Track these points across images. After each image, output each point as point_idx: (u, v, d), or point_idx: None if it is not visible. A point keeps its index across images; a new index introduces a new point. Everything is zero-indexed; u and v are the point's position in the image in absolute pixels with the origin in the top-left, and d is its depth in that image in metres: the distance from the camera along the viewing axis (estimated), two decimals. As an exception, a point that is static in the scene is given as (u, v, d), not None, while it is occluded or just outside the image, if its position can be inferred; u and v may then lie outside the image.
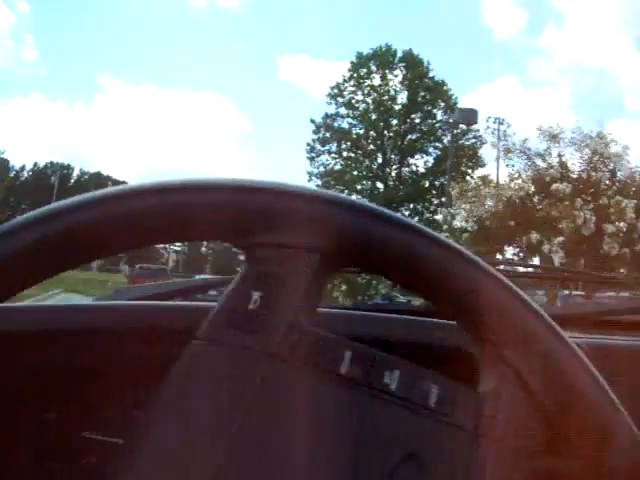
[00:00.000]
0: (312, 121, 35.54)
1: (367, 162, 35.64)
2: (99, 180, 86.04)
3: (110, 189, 0.46)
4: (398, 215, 0.48)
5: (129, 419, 0.58)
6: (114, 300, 1.04)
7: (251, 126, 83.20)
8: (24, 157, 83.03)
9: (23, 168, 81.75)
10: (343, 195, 0.49)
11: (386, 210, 0.48)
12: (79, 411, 0.63)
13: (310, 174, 35.43)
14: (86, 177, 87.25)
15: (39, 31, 75.96)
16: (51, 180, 77.56)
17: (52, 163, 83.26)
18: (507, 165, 14.77)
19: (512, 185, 14.08)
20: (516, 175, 14.41)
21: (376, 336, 0.67)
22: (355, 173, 35.34)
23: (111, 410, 0.64)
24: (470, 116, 27.46)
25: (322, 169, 35.66)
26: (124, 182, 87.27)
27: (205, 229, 0.48)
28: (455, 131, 34.39)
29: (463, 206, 14.14)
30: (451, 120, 32.29)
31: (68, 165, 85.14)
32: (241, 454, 0.42)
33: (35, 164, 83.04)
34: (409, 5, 68.20)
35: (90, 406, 0.63)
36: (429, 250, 0.46)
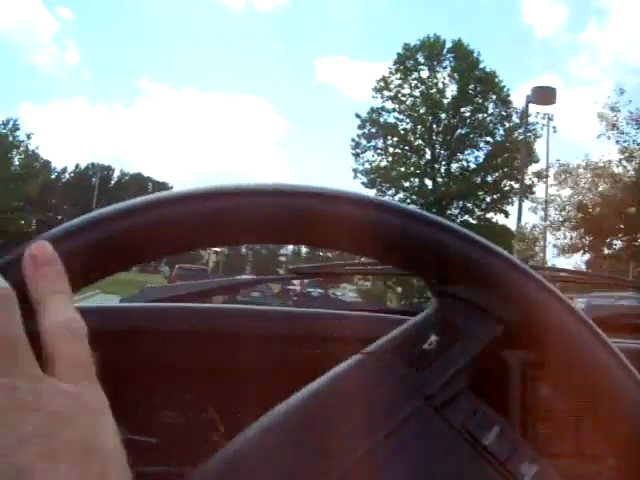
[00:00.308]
0: (357, 116, 34.17)
1: (415, 158, 34.09)
2: (140, 181, 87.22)
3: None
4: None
5: (158, 419, 0.64)
6: (138, 300, 1.08)
7: (289, 127, 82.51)
8: (66, 159, 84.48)
9: (65, 170, 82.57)
10: (536, 275, 0.48)
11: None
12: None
13: (355, 171, 34.06)
14: (127, 178, 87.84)
15: (81, 37, 77.17)
16: (92, 181, 77.93)
17: (93, 164, 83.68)
18: (617, 142, 12.89)
19: (628, 165, 12.03)
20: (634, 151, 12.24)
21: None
22: (402, 170, 33.84)
23: (141, 410, 0.66)
24: (548, 95, 24.90)
25: (367, 166, 34.26)
26: (165, 183, 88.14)
27: (399, 259, 0.50)
28: (508, 124, 32.77)
29: (558, 192, 12.34)
30: (520, 105, 30.65)
31: (109, 166, 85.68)
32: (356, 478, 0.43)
33: (77, 165, 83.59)
34: (447, 5, 66.50)
35: (121, 406, 0.60)
36: None
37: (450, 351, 0.46)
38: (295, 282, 22.23)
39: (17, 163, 72.01)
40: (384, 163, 34.10)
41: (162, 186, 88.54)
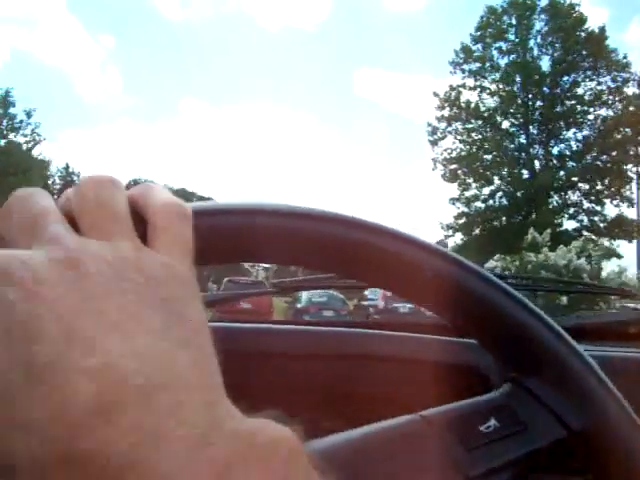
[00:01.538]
0: (435, 94, 28.44)
1: (506, 142, 28.14)
2: (184, 196, 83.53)
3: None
4: None
5: None
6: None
7: (329, 142, 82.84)
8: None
9: None
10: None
11: None
12: None
13: (435, 161, 28.28)
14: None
15: (123, 62, 79.09)
16: None
17: (135, 181, 79.94)
18: None
19: None
20: None
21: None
22: (488, 157, 27.93)
23: None
24: None
25: (447, 155, 28.44)
26: (210, 198, 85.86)
27: (470, 327, 0.49)
28: (625, 94, 26.68)
29: None
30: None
31: (151, 182, 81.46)
32: None
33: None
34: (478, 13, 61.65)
35: None
36: None
37: (506, 441, 0.45)
38: (377, 296, 18.69)
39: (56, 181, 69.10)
40: (471, 149, 28.24)
41: (207, 201, 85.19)
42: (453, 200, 28.03)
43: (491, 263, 11.33)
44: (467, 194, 28.10)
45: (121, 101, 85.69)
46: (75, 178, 74.76)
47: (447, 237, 27.99)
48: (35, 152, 26.13)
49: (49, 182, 72.30)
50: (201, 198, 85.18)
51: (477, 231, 27.43)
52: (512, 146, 28.16)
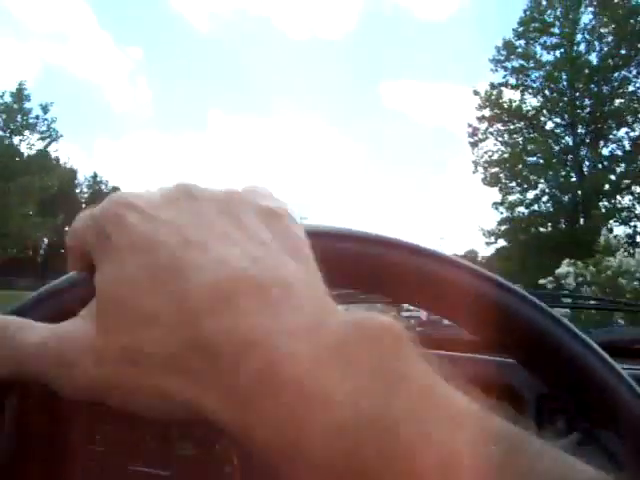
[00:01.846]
0: (476, 93, 26.80)
1: (551, 143, 26.35)
2: None
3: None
4: None
5: (173, 451, 0.63)
6: None
7: (359, 154, 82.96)
8: (138, 186, 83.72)
9: None
10: None
11: None
12: (124, 444, 0.64)
13: (476, 164, 26.60)
14: None
15: (152, 73, 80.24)
16: None
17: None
18: None
19: None
20: None
21: None
22: (532, 159, 26.17)
23: (155, 442, 0.66)
24: None
25: (487, 157, 26.75)
26: None
27: (543, 370, 0.47)
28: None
29: None
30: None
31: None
32: None
33: (147, 191, 79.27)
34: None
35: (134, 439, 0.64)
36: None
37: None
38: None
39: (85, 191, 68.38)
40: (513, 150, 26.49)
41: None
42: (496, 205, 26.32)
43: (563, 269, 9.70)
44: (510, 198, 26.35)
45: (149, 111, 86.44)
46: (103, 187, 74.55)
47: (489, 244, 26.31)
48: (52, 149, 24.03)
49: (77, 190, 72.02)
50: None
51: (521, 237, 25.62)
52: (558, 148, 26.36)
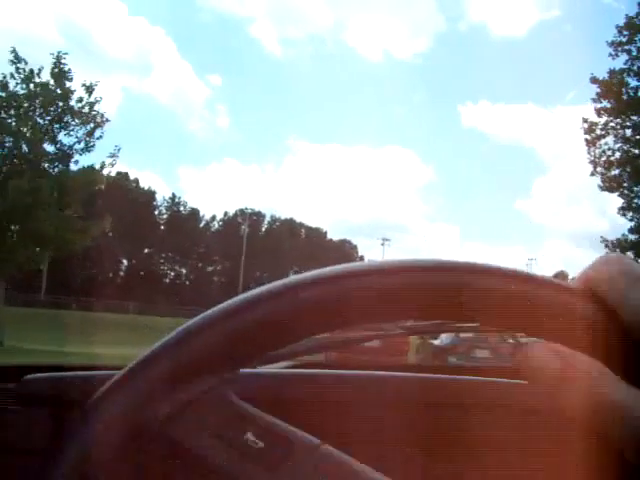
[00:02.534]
0: (594, 79, 22.56)
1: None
2: (292, 227, 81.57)
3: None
4: None
5: None
6: None
7: (435, 175, 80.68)
8: (216, 210, 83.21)
9: (214, 218, 77.92)
10: None
11: None
12: None
13: (595, 164, 22.27)
14: (277, 224, 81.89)
15: (231, 100, 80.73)
16: (241, 230, 72.42)
17: (242, 211, 78.23)
18: None
19: None
20: None
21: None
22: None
23: None
24: None
25: (606, 157, 22.39)
26: (318, 229, 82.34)
27: None
28: None
29: None
30: None
31: (259, 212, 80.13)
32: None
33: (225, 213, 78.51)
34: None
35: None
36: None
37: None
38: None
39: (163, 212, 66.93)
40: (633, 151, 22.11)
41: (315, 231, 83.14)
42: (623, 210, 21.93)
43: None
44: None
45: (229, 139, 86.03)
46: (182, 208, 73.37)
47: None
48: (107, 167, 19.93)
49: (155, 212, 70.72)
50: (309, 228, 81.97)
51: None
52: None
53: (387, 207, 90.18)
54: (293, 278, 0.41)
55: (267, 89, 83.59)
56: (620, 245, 21.41)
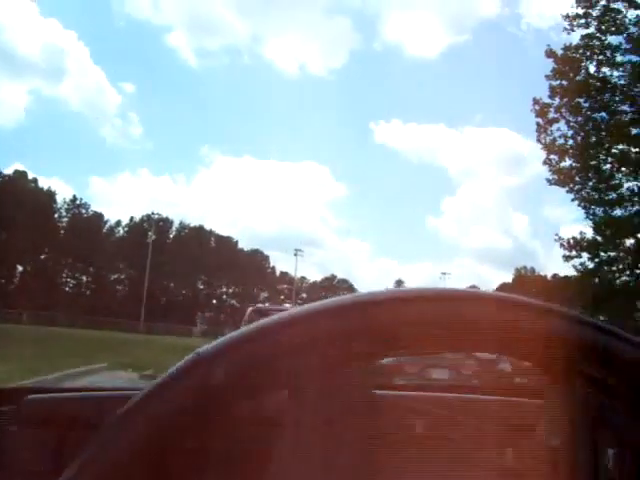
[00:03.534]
0: (549, 53, 20.21)
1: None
2: (201, 235, 78.19)
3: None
4: None
5: None
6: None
7: (348, 191, 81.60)
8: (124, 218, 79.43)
9: (119, 223, 73.40)
10: None
11: None
12: None
13: (548, 151, 20.18)
14: (186, 231, 78.12)
15: (144, 109, 78.73)
16: (148, 236, 68.35)
17: (149, 216, 74.10)
18: None
19: None
20: None
21: None
22: (617, 150, 19.93)
23: None
24: None
25: (558, 146, 20.37)
26: (229, 237, 79.57)
27: None
28: None
29: None
30: None
31: (166, 218, 76.23)
32: None
33: (131, 218, 74.26)
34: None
35: None
36: None
37: None
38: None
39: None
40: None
41: (226, 240, 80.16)
42: (587, 206, 20.04)
43: None
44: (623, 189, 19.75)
45: (142, 148, 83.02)
46: (83, 210, 68.69)
47: (569, 258, 19.91)
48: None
49: (55, 215, 65.74)
50: (219, 237, 78.88)
51: (629, 242, 19.17)
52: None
53: (299, 221, 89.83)
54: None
55: (181, 99, 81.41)
56: (578, 244, 19.53)
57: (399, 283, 79.27)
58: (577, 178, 19.41)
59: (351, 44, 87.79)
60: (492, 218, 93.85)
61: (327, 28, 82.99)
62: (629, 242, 18.77)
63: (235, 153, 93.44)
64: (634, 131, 18.77)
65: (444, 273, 68.54)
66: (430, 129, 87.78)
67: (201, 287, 78.59)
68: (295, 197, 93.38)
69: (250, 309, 11.36)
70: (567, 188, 19.41)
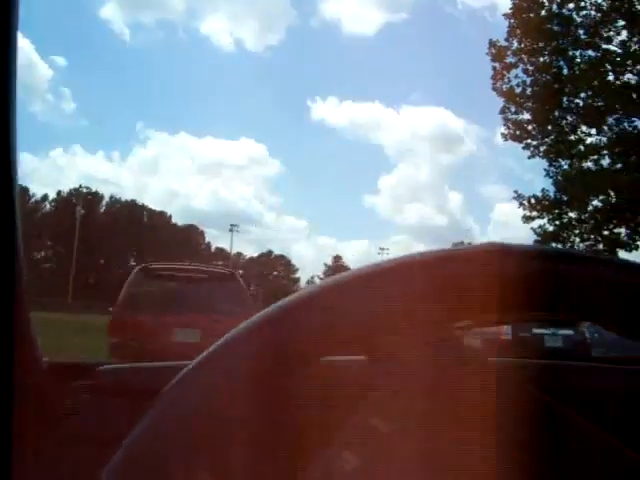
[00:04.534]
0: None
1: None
2: (133, 209, 75.04)
3: None
4: None
5: None
6: None
7: (285, 169, 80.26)
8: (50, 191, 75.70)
9: (45, 198, 69.54)
10: None
11: None
12: None
13: (506, 100, 18.64)
14: (118, 206, 74.92)
15: (76, 84, 74.51)
16: (76, 211, 64.80)
17: (77, 190, 70.57)
18: None
19: None
20: None
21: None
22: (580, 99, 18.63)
23: None
24: None
25: (517, 95, 18.88)
26: (162, 212, 76.70)
27: None
28: None
29: None
30: None
31: (96, 192, 72.60)
32: None
33: (59, 192, 70.50)
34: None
35: None
36: None
37: None
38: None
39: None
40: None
41: (159, 215, 77.35)
42: (550, 158, 18.60)
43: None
44: (589, 140, 18.01)
45: (74, 124, 79.16)
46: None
47: (529, 219, 18.52)
48: None
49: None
50: (152, 212, 76.00)
51: (597, 202, 17.80)
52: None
53: (236, 199, 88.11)
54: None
55: (116, 74, 77.56)
56: (539, 203, 18.11)
57: (337, 259, 78.53)
58: (535, 132, 17.89)
59: (288, 21, 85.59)
60: (428, 196, 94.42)
61: (264, 4, 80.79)
62: (596, 202, 17.29)
63: (171, 130, 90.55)
64: (598, 80, 17.16)
65: (382, 249, 68.46)
66: (367, 107, 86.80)
67: (133, 263, 75.53)
68: (231, 175, 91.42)
69: (137, 268, 8.82)
70: (523, 144, 17.87)
